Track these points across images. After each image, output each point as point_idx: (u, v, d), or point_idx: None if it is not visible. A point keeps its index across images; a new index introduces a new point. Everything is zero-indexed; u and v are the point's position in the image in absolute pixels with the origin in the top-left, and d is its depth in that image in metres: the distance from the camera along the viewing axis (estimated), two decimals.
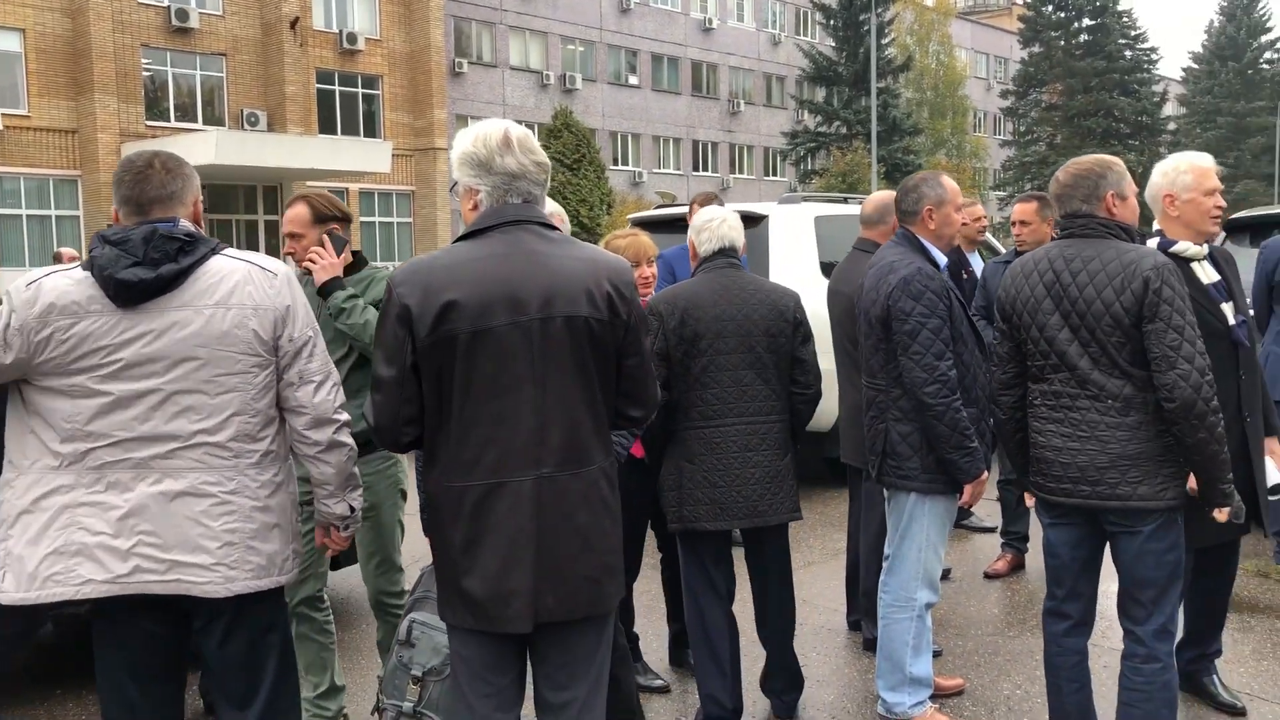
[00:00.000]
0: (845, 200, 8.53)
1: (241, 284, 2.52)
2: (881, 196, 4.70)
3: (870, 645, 4.48)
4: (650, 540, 4.23)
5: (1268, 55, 61.18)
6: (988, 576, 5.68)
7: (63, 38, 25.66)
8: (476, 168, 2.46)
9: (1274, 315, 5.41)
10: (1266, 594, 5.25)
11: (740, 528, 3.76)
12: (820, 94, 41.34)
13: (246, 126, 27.87)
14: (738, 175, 43.47)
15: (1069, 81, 47.64)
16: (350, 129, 30.97)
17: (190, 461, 2.47)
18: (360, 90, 31.32)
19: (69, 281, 2.44)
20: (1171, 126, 52.24)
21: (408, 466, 3.89)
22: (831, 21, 39.84)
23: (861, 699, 4.17)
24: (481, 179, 2.46)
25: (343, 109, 30.95)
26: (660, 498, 3.82)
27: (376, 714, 3.92)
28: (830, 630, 4.93)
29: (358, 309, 3.56)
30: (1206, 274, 3.54)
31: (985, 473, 3.62)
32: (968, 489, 3.61)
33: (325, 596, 3.83)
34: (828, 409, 4.65)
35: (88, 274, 2.44)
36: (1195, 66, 62.39)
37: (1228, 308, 3.54)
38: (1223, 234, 7.14)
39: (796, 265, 7.25)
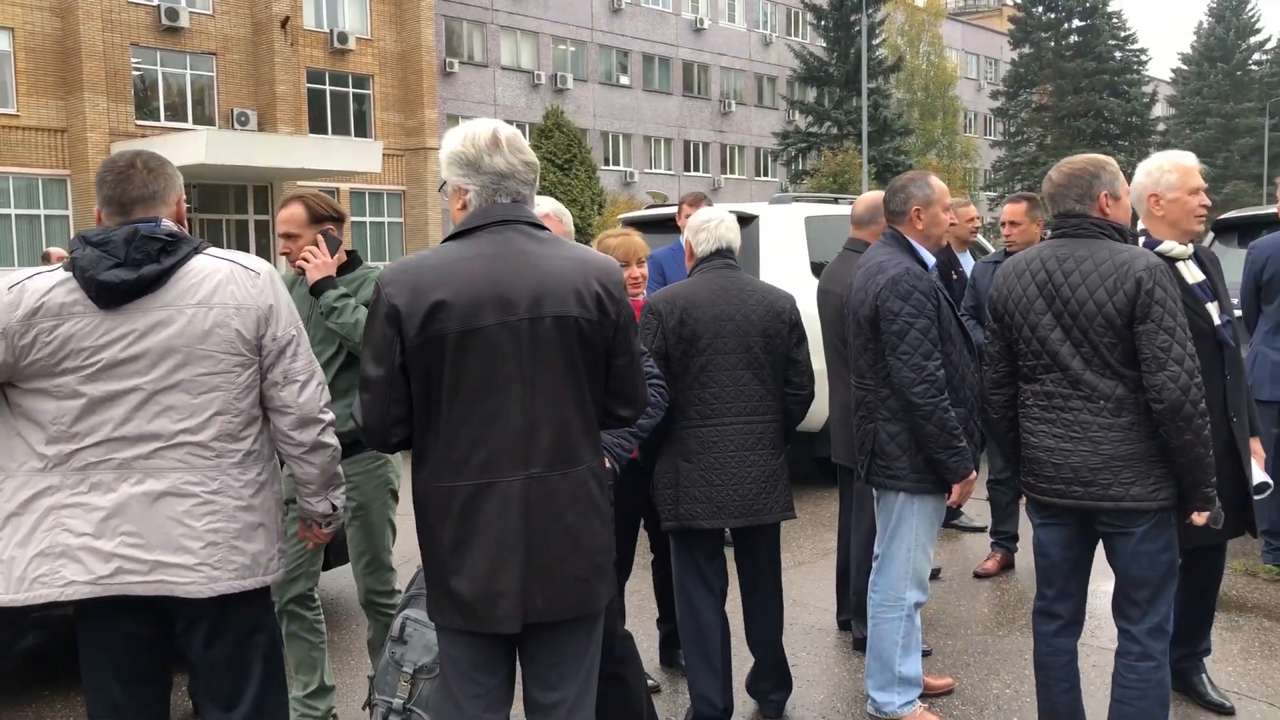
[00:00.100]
0: (836, 200, 8.54)
1: (224, 283, 2.51)
2: (872, 197, 4.71)
3: (860, 645, 4.49)
4: (641, 540, 4.23)
5: (1256, 57, 61.51)
6: (977, 576, 5.69)
7: (52, 37, 25.57)
8: (465, 167, 2.46)
9: (1262, 315, 5.44)
10: (1254, 593, 5.27)
11: (736, 526, 3.77)
12: (811, 94, 41.40)
13: (237, 126, 27.81)
14: (729, 175, 43.50)
15: (1059, 82, 47.79)
16: (341, 129, 30.92)
17: (172, 461, 2.46)
18: (351, 90, 31.27)
19: (52, 283, 2.43)
20: (1161, 127, 52.43)
21: (401, 467, 3.88)
22: (822, 22, 39.90)
23: (851, 698, 4.18)
24: (470, 178, 2.46)
25: (333, 109, 30.90)
26: (654, 496, 3.82)
27: (369, 710, 3.93)
28: (820, 630, 4.93)
29: (349, 308, 3.56)
30: (1191, 274, 3.55)
31: (973, 472, 3.63)
32: (956, 489, 3.62)
33: (316, 595, 3.82)
34: (819, 409, 4.66)
35: (70, 275, 2.43)
36: (1184, 68, 62.68)
37: (1213, 307, 3.54)
38: (1211, 234, 7.17)
39: (787, 265, 7.26)
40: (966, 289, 5.82)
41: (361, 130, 31.41)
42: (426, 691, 2.91)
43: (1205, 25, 61.92)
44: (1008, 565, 5.78)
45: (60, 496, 2.43)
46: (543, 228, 2.51)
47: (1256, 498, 3.64)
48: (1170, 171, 3.54)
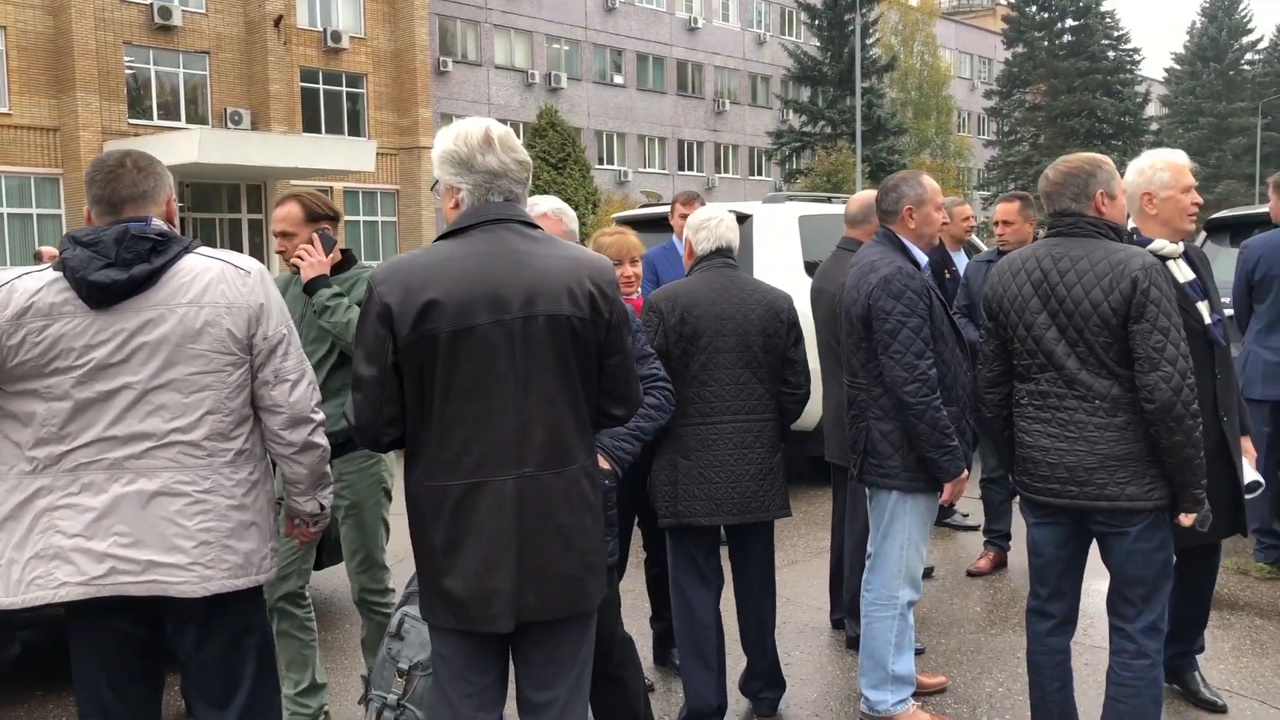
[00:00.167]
0: (829, 200, 8.55)
1: (214, 282, 2.51)
2: (866, 196, 4.72)
3: (853, 643, 4.49)
4: (634, 538, 4.23)
5: (1249, 56, 61.65)
6: (970, 575, 5.71)
7: (44, 35, 25.50)
8: (458, 166, 2.45)
9: (1254, 314, 5.45)
10: (1246, 591, 5.29)
11: (734, 523, 3.78)
12: (805, 94, 41.41)
13: (230, 125, 27.75)
14: (723, 175, 43.51)
15: (1052, 82, 47.86)
16: (334, 128, 30.87)
17: (164, 461, 2.46)
18: (344, 89, 31.23)
19: (41, 284, 2.42)
20: (1154, 127, 52.56)
21: (394, 465, 3.88)
22: (816, 21, 39.91)
23: (844, 697, 4.18)
24: (463, 177, 2.45)
25: (327, 108, 30.85)
26: (652, 493, 3.83)
27: (364, 705, 3.93)
28: (814, 629, 4.94)
29: (341, 307, 3.57)
30: (1182, 272, 3.55)
31: (965, 471, 3.63)
32: (947, 487, 3.63)
33: (307, 593, 3.82)
34: (812, 408, 4.67)
35: (59, 275, 2.43)
36: (1177, 67, 62.78)
37: (1203, 306, 3.54)
38: (1203, 233, 7.18)
39: (781, 265, 7.26)
40: (960, 288, 5.83)
41: (355, 129, 31.36)
42: (421, 688, 2.91)
43: (1198, 25, 62.01)
44: (1001, 564, 5.80)
45: (52, 498, 2.43)
46: (535, 226, 2.51)
47: (1248, 496, 3.65)
48: (1163, 170, 3.54)
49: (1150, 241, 3.53)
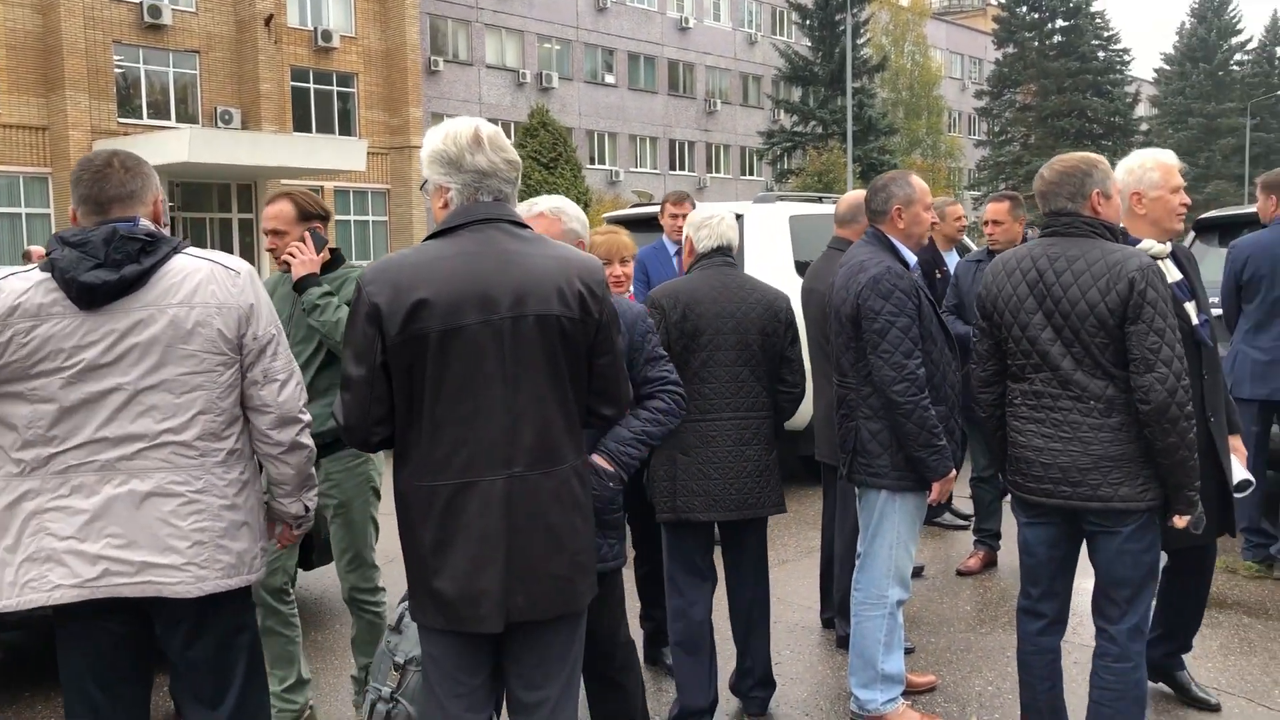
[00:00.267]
0: (820, 200, 8.56)
1: (205, 283, 2.50)
2: (855, 196, 4.73)
3: (844, 643, 4.50)
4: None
5: (1238, 57, 61.86)
6: (960, 574, 5.72)
7: (33, 34, 25.39)
8: (447, 165, 2.45)
9: (1243, 314, 5.47)
10: (1234, 590, 5.31)
11: (731, 519, 3.80)
12: (796, 94, 41.43)
13: (220, 124, 27.68)
14: (714, 174, 43.53)
15: (1043, 82, 47.97)
16: (325, 127, 30.81)
17: (156, 462, 2.45)
18: (335, 88, 31.16)
19: (29, 284, 2.41)
20: (1144, 127, 52.70)
21: (382, 465, 3.88)
22: (807, 21, 39.92)
23: (834, 696, 4.19)
24: (452, 177, 2.45)
25: (317, 107, 30.78)
26: (650, 488, 3.85)
27: (356, 706, 3.93)
28: (804, 628, 4.94)
29: (331, 306, 3.57)
30: (1170, 273, 3.55)
31: (954, 471, 3.64)
32: (936, 486, 3.64)
33: (291, 590, 3.83)
34: (803, 407, 4.68)
35: (47, 276, 2.42)
36: (1167, 68, 62.99)
37: (1190, 307, 3.54)
38: (1191, 233, 7.20)
39: (772, 264, 7.27)
40: (950, 287, 5.84)
41: (346, 129, 31.30)
42: (414, 683, 2.92)
43: (1187, 26, 62.23)
44: (990, 563, 5.81)
45: (41, 500, 2.42)
46: (525, 226, 2.51)
47: (1239, 495, 3.65)
48: (1152, 169, 3.52)
49: (1139, 241, 3.52)
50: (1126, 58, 50.30)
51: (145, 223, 2.52)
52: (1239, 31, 61.62)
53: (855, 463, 3.74)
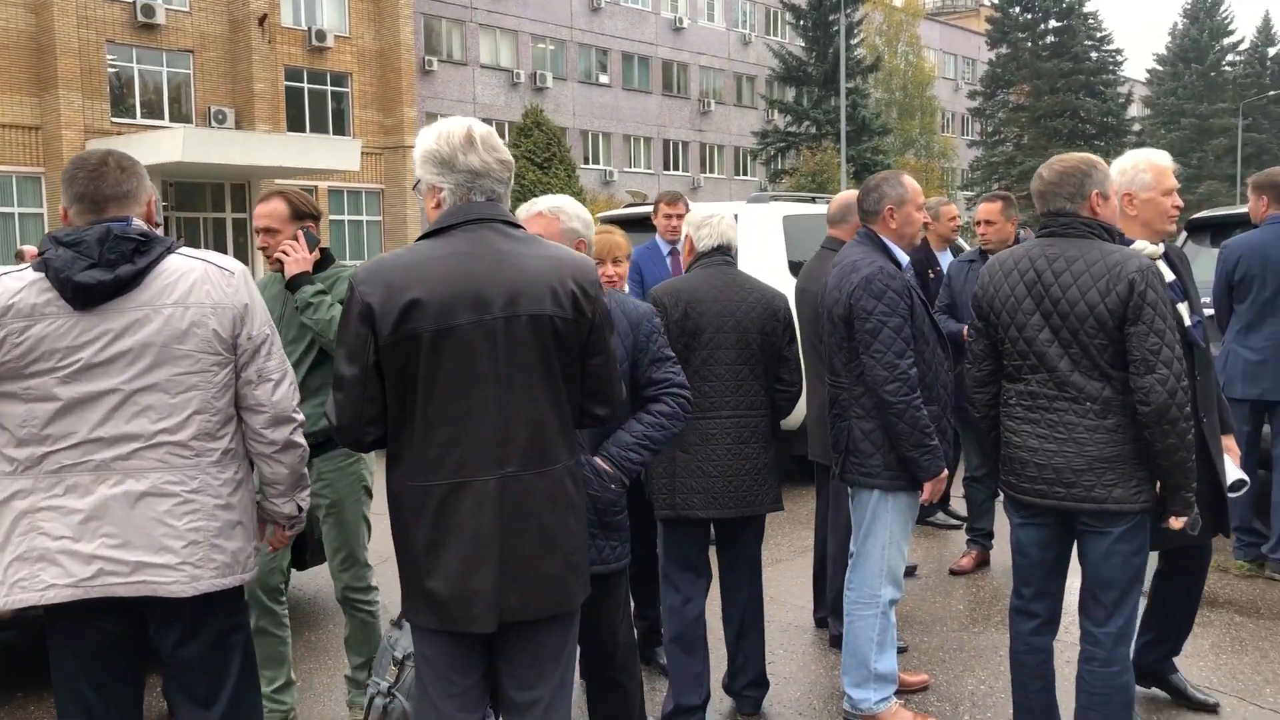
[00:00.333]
0: (814, 200, 8.57)
1: (199, 283, 2.51)
2: (845, 195, 4.76)
3: (837, 642, 4.51)
4: None
5: (1230, 58, 62.01)
6: (953, 573, 5.73)
7: (26, 33, 25.32)
8: (439, 165, 2.45)
9: (1234, 314, 5.49)
10: (1225, 589, 5.33)
11: (730, 516, 3.81)
12: (790, 94, 41.45)
13: (214, 124, 27.62)
14: (708, 174, 43.54)
15: (1036, 82, 48.05)
16: (319, 127, 30.76)
17: (152, 462, 2.45)
18: (329, 88, 31.12)
19: (22, 284, 2.41)
20: (1136, 127, 52.83)
21: (374, 464, 3.88)
22: (801, 22, 39.95)
23: (827, 695, 4.20)
24: (444, 177, 2.45)
25: (311, 107, 30.73)
26: (649, 485, 3.86)
27: (358, 696, 3.93)
28: (797, 627, 4.95)
29: (325, 304, 3.57)
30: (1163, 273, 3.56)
31: (945, 470, 3.65)
32: (927, 486, 3.65)
33: (285, 590, 3.83)
34: (796, 407, 4.69)
35: (40, 275, 2.42)
36: (1159, 68, 63.11)
37: (1183, 307, 3.54)
38: (1183, 233, 7.22)
39: (765, 264, 7.27)
40: (942, 287, 5.85)
41: (340, 128, 31.26)
42: (411, 679, 2.95)
43: (1179, 26, 62.33)
44: (983, 562, 5.82)
45: (34, 500, 2.42)
46: (518, 226, 2.51)
47: (1234, 495, 3.65)
48: (1145, 171, 3.52)
49: (1132, 242, 3.52)
50: (1119, 58, 50.42)
51: (138, 222, 2.52)
52: (1231, 32, 61.76)
53: (848, 462, 3.75)
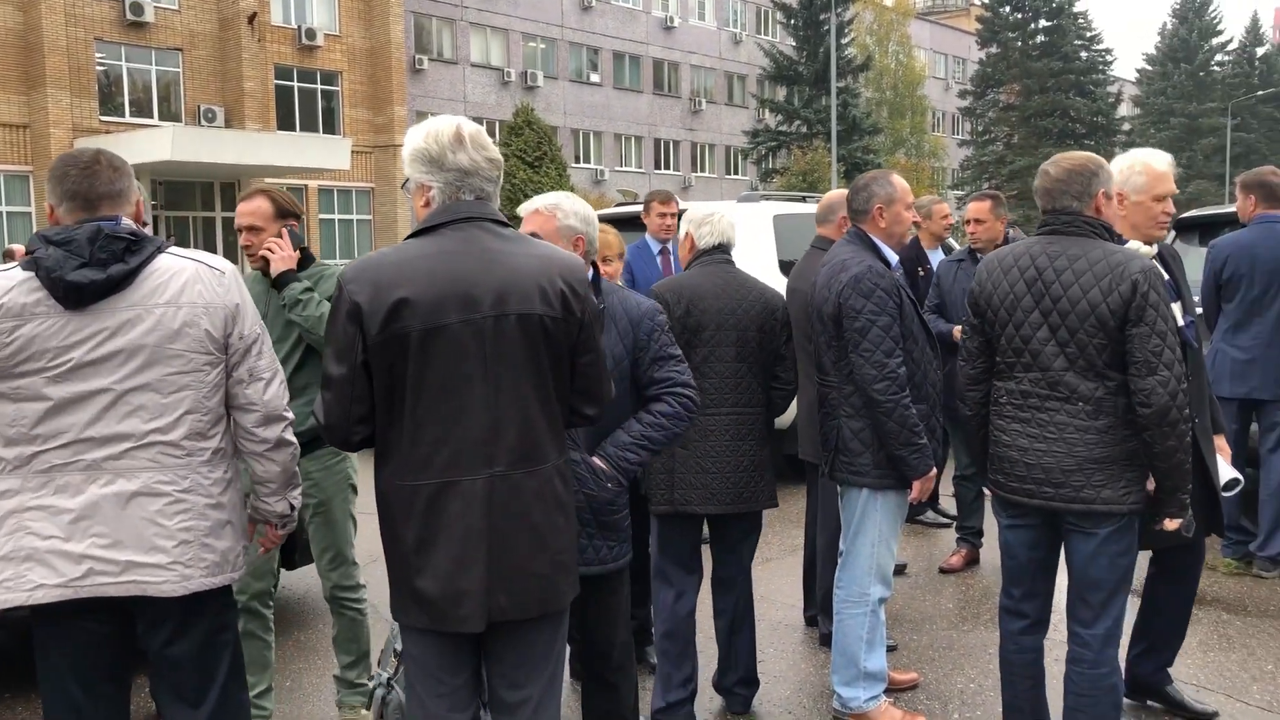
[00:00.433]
0: (805, 199, 8.58)
1: (191, 282, 2.50)
2: (831, 194, 4.79)
3: (826, 640, 4.51)
4: None
5: (1219, 58, 62.21)
6: (943, 571, 5.74)
7: (14, 31, 25.20)
8: (428, 164, 2.45)
9: (1222, 313, 5.51)
10: (1213, 587, 5.34)
11: (727, 512, 3.82)
12: (781, 93, 41.46)
13: (204, 122, 27.54)
14: (699, 174, 43.55)
15: (1026, 82, 48.16)
16: (309, 125, 30.68)
17: (144, 461, 2.45)
18: (319, 86, 31.04)
19: (11, 283, 2.40)
20: (1126, 127, 52.97)
21: (359, 462, 3.87)
22: (792, 21, 39.95)
23: (817, 694, 4.20)
24: (433, 175, 2.45)
25: (301, 105, 30.66)
26: (646, 481, 3.86)
27: (339, 705, 3.93)
28: (787, 626, 4.96)
29: (313, 301, 3.57)
30: None
31: (934, 469, 3.65)
32: (916, 485, 3.65)
33: (273, 594, 3.82)
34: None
35: (30, 275, 2.40)
36: (1149, 68, 63.28)
37: (1176, 308, 3.53)
38: (1172, 233, 7.24)
39: (755, 263, 7.27)
40: (931, 286, 5.86)
41: (330, 127, 31.18)
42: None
43: (1169, 26, 62.51)
44: (973, 560, 5.84)
45: (21, 499, 2.41)
46: (507, 225, 2.50)
47: (1228, 494, 3.65)
48: (1140, 173, 3.48)
49: (1126, 242, 3.50)
50: (1109, 58, 50.55)
51: (127, 222, 2.51)
52: (1220, 32, 61.95)
53: (837, 461, 3.76)
